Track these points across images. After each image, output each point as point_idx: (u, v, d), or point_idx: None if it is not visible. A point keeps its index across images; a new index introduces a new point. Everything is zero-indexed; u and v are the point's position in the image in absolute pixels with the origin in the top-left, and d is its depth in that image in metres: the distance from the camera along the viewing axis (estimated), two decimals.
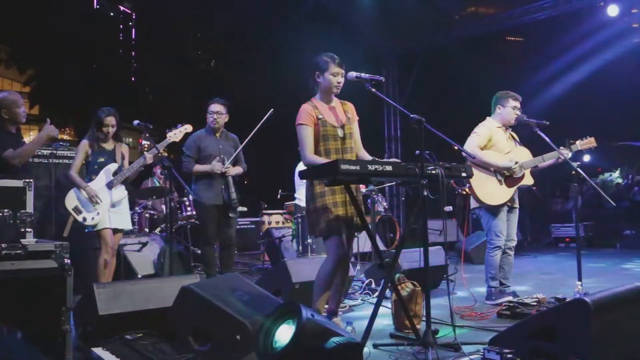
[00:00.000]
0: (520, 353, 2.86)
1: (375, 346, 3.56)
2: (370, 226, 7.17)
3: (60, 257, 2.87)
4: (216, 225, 5.41)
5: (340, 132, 3.76)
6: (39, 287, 2.83)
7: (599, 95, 12.07)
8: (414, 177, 3.30)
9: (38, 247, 2.89)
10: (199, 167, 5.38)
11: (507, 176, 4.96)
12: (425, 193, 3.30)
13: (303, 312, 2.57)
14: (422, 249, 3.37)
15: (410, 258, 5.18)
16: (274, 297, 3.54)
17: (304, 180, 3.78)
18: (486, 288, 5.04)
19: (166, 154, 5.76)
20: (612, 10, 10.57)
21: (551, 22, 11.27)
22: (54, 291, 2.83)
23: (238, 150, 5.54)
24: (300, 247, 7.08)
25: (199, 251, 6.41)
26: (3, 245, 2.83)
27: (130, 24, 24.79)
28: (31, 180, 3.19)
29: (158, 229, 7.42)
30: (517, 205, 5.09)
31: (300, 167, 4.62)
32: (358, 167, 3.13)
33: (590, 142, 5.03)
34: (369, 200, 8.00)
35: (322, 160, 3.61)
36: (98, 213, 4.91)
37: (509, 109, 5.05)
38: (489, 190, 4.93)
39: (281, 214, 9.59)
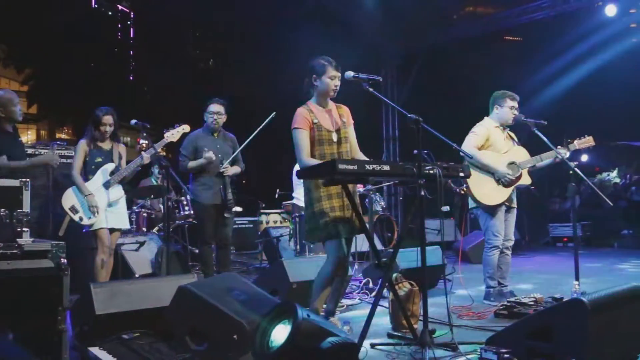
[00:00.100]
0: (517, 353, 2.86)
1: (372, 346, 3.57)
2: (367, 225, 7.18)
3: (57, 256, 2.86)
4: (213, 225, 5.41)
5: (334, 137, 3.76)
6: (35, 286, 2.82)
7: (597, 95, 12.06)
8: (412, 177, 3.30)
9: (34, 246, 2.88)
10: (192, 164, 5.37)
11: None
12: (423, 193, 3.30)
13: (299, 312, 2.57)
14: (419, 248, 3.37)
15: (407, 257, 5.18)
16: (271, 297, 3.54)
17: (302, 180, 3.77)
18: (484, 288, 5.05)
19: (164, 154, 5.75)
20: (610, 10, 10.57)
21: (549, 22, 11.27)
22: (51, 291, 2.83)
23: (237, 151, 5.53)
24: (298, 247, 7.07)
25: (197, 251, 6.41)
26: None
27: (129, 22, 24.78)
28: (28, 179, 3.19)
29: (156, 228, 7.41)
30: (514, 205, 5.09)
31: (298, 167, 4.61)
32: (355, 167, 3.13)
33: (588, 141, 5.03)
34: (366, 200, 7.99)
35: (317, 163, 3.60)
36: (95, 213, 4.90)
37: (507, 108, 5.05)
38: (486, 190, 4.93)
39: (279, 213, 9.59)
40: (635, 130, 12.04)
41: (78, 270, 4.22)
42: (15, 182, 3.13)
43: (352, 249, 6.85)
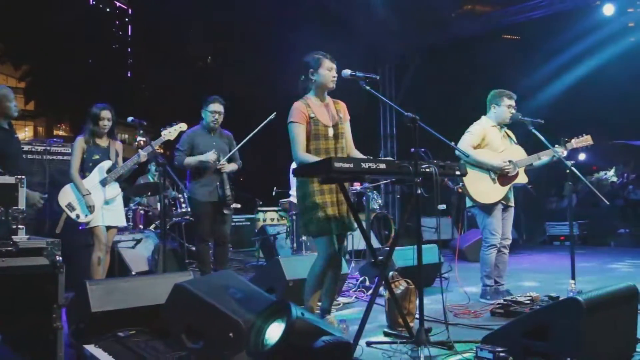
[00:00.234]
0: (513, 351, 2.86)
1: (368, 344, 3.57)
2: (364, 224, 7.18)
3: (52, 254, 2.85)
4: (211, 222, 5.40)
5: (331, 132, 3.75)
6: (30, 284, 2.81)
7: (595, 94, 12.06)
8: (408, 175, 3.29)
9: (29, 244, 2.87)
10: (190, 159, 5.34)
11: (501, 174, 4.96)
12: (419, 191, 3.29)
13: (293, 311, 2.57)
14: (416, 246, 3.36)
15: (404, 256, 5.18)
16: (267, 295, 3.54)
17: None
18: (481, 286, 5.05)
19: (161, 152, 5.74)
20: (608, 9, 10.59)
21: (547, 20, 11.27)
22: (46, 288, 2.81)
23: (235, 149, 5.52)
24: (295, 245, 7.07)
25: (194, 248, 6.41)
26: None
27: (127, 19, 24.74)
28: (23, 176, 3.18)
29: (153, 226, 7.40)
30: (512, 203, 5.09)
31: (294, 162, 4.61)
32: (352, 165, 3.12)
33: (586, 139, 5.02)
34: (363, 198, 8.00)
35: (314, 158, 3.60)
36: (91, 210, 4.90)
37: (504, 107, 5.05)
38: (482, 188, 4.93)
39: (276, 211, 9.59)
40: (633, 129, 12.06)
41: (74, 268, 4.21)
42: (10, 180, 3.12)
43: (349, 247, 6.89)
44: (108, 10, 24.24)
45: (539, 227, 11.71)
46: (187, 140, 5.41)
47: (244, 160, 5.72)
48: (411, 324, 3.76)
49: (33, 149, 5.91)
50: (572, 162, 4.72)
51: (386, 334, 3.86)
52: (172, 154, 5.57)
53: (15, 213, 3.04)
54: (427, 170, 3.32)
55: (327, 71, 3.74)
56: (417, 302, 3.44)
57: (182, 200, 7.48)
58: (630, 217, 11.23)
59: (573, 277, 4.61)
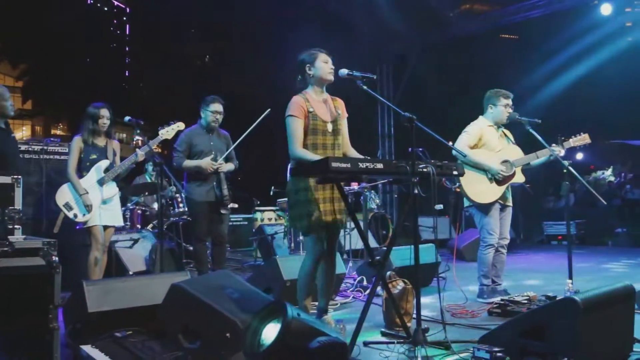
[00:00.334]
0: (510, 351, 2.87)
1: (365, 344, 3.56)
2: (362, 223, 7.18)
3: (48, 254, 2.84)
4: (208, 222, 5.39)
5: (330, 127, 3.74)
6: (27, 284, 2.81)
7: (593, 94, 12.09)
8: (405, 175, 3.29)
9: (26, 244, 2.86)
10: (189, 162, 5.34)
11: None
12: (417, 191, 3.29)
13: (289, 311, 2.56)
14: (413, 246, 3.36)
15: (401, 255, 5.18)
16: (264, 295, 3.53)
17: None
18: (478, 286, 5.05)
19: (159, 151, 5.73)
20: (606, 9, 10.60)
21: (545, 20, 11.28)
22: (42, 289, 2.81)
23: (231, 148, 5.51)
24: (292, 244, 7.07)
25: (191, 248, 6.40)
26: None
27: (125, 18, 24.70)
28: (20, 176, 3.17)
29: (150, 225, 7.39)
30: (510, 203, 5.09)
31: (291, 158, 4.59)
32: (349, 165, 3.12)
33: (584, 138, 5.02)
34: (361, 197, 8.00)
35: (309, 154, 3.57)
36: (89, 210, 4.89)
37: (501, 107, 5.05)
38: (479, 188, 4.93)
39: (274, 210, 9.58)
40: (631, 129, 12.07)
41: (72, 268, 4.21)
42: (7, 179, 3.11)
43: (347, 247, 6.89)
44: (106, 9, 24.20)
45: (536, 227, 11.71)
46: (184, 140, 5.39)
47: (241, 160, 5.71)
48: (408, 324, 3.76)
49: (30, 149, 5.89)
50: (570, 161, 4.71)
51: (383, 334, 3.86)
52: (170, 153, 5.56)
53: (11, 213, 3.02)
54: (425, 170, 3.32)
55: (324, 63, 3.73)
56: (415, 302, 3.44)
57: (179, 200, 7.48)
58: (627, 217, 11.25)
59: (570, 277, 4.60)
